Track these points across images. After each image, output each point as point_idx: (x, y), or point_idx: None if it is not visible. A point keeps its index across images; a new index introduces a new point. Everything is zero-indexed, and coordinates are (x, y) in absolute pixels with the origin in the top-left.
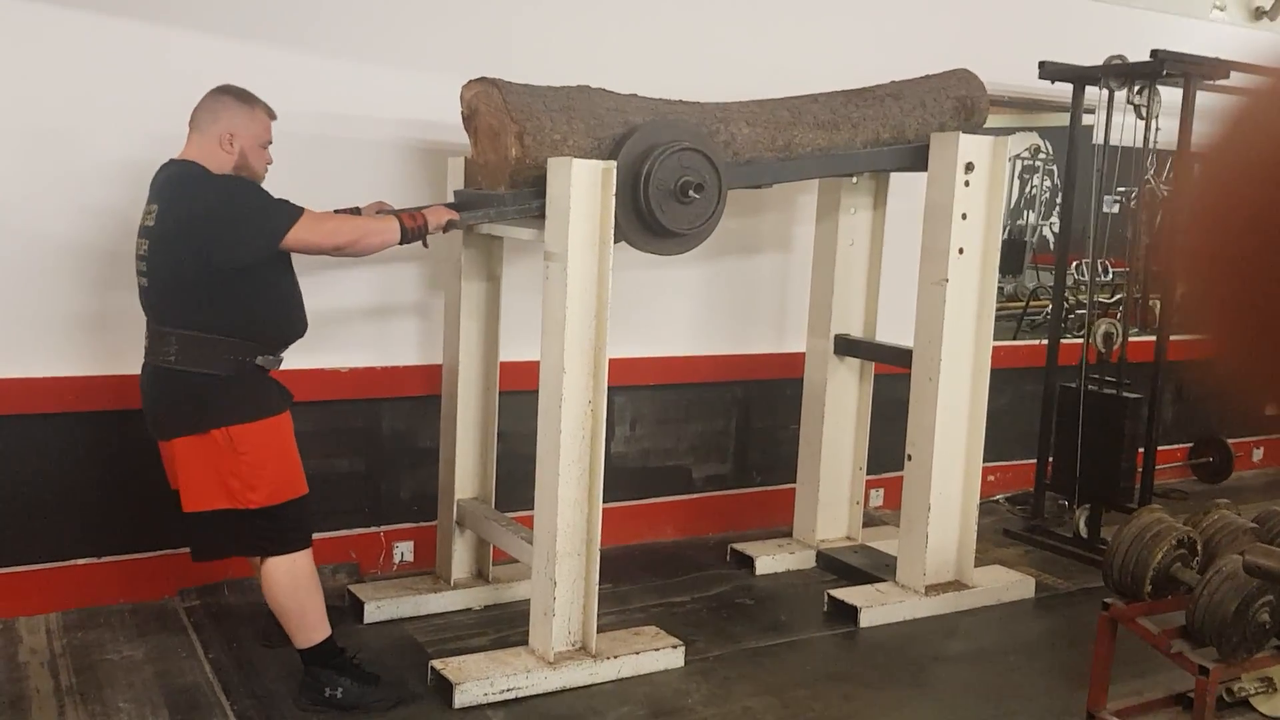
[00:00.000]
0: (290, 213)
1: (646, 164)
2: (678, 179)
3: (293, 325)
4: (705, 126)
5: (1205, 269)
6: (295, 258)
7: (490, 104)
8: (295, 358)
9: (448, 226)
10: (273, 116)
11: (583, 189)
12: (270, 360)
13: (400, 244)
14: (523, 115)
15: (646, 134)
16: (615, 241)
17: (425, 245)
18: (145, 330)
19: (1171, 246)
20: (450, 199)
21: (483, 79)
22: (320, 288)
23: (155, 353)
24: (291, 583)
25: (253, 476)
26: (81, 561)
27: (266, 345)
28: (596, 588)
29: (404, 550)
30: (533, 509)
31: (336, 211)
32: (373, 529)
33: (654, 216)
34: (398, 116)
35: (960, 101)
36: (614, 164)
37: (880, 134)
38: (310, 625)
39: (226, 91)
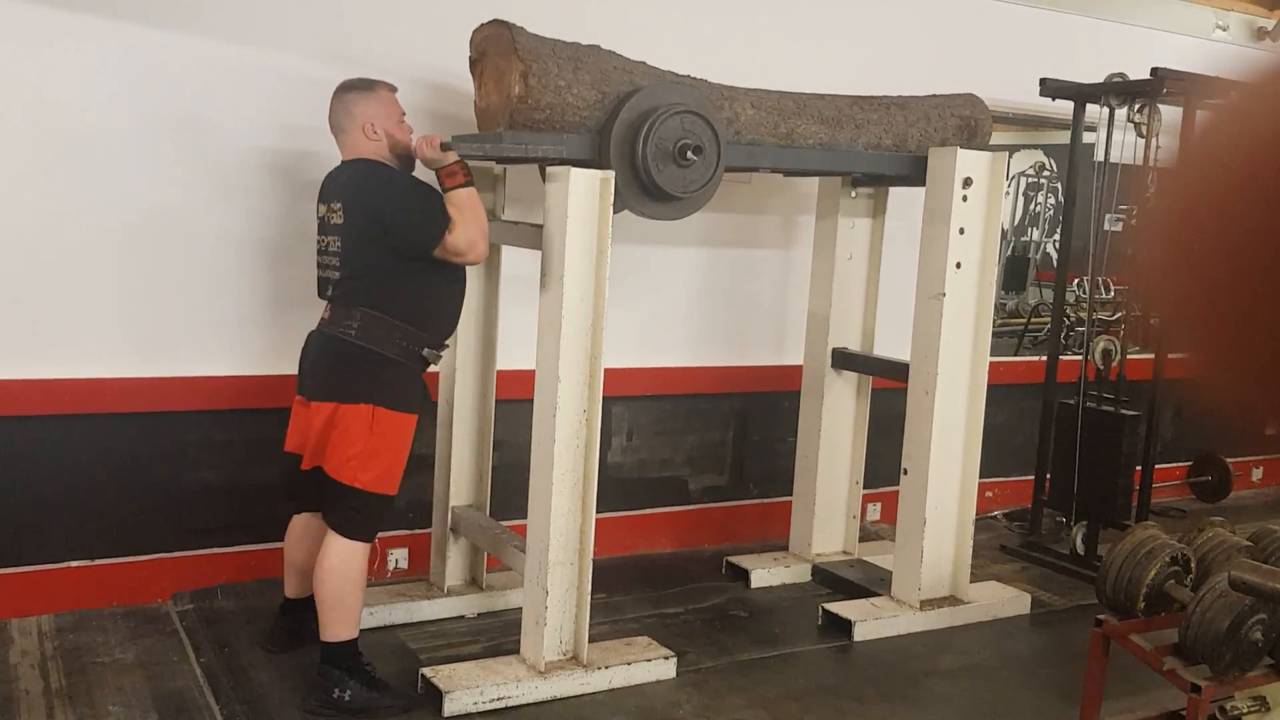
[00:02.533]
0: (440, 226)
1: (647, 123)
2: (677, 140)
3: (451, 323)
4: (710, 100)
5: (1177, 286)
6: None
7: (499, 45)
8: (289, 363)
9: (442, 147)
10: (394, 90)
11: (580, 197)
12: (433, 354)
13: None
14: (530, 56)
15: (650, 94)
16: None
17: None
18: (325, 309)
19: (1144, 264)
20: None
21: (495, 21)
22: (315, 290)
23: (335, 324)
24: (342, 568)
25: (371, 456)
26: (75, 564)
27: (433, 338)
28: (589, 597)
29: (398, 557)
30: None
31: None
32: None
33: (650, 177)
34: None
35: (964, 121)
36: (612, 174)
37: (883, 139)
38: (341, 619)
39: (348, 88)
